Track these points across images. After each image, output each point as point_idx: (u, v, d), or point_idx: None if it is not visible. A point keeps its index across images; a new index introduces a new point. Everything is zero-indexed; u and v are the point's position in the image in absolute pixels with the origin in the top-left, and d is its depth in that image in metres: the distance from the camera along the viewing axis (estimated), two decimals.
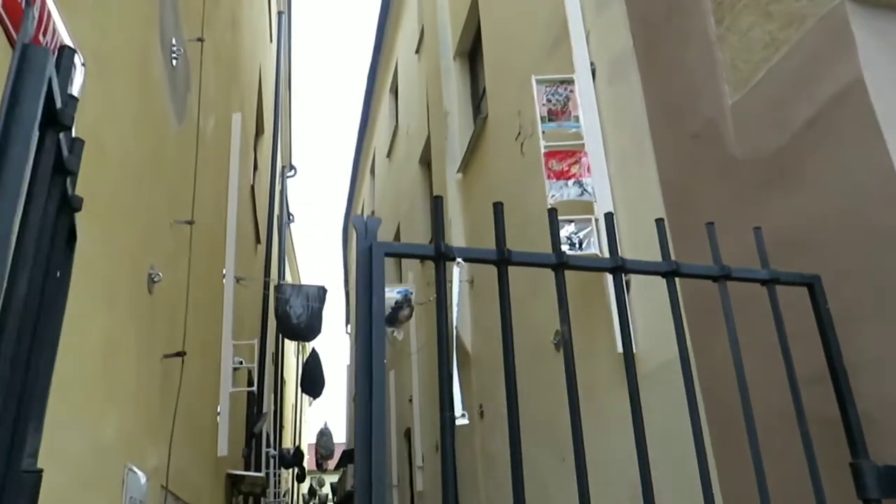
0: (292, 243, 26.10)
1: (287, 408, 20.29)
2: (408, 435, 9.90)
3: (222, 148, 6.12)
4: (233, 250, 6.22)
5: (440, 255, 1.61)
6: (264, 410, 10.51)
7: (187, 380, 4.21)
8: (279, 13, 14.85)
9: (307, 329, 6.12)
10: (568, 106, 3.68)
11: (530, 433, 4.36)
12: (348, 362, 19.66)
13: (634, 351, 3.35)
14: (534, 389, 4.52)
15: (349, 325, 20.92)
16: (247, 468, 8.43)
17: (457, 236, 6.86)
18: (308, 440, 25.49)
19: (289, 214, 21.17)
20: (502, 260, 1.64)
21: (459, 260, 1.64)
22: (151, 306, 3.09)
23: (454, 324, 1.63)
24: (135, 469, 2.71)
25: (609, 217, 1.68)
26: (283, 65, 14.82)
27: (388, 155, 12.96)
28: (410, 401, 9.53)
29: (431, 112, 8.22)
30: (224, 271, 6.12)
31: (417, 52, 10.25)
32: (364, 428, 1.40)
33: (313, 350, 10.48)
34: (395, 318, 6.34)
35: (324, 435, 14.51)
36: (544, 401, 4.36)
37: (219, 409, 5.71)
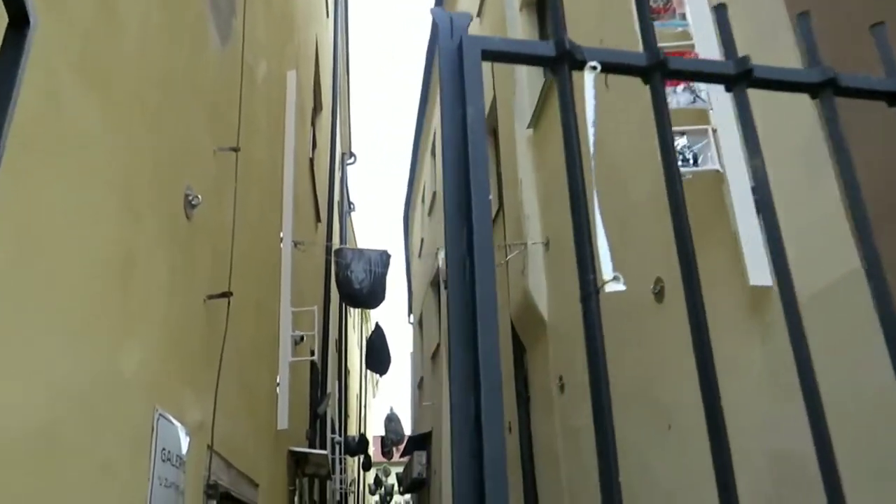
0: (353, 233, 26.00)
1: (351, 396, 20.13)
2: None
3: (276, 102, 5.73)
4: (290, 212, 5.83)
5: (563, 55, 1.03)
6: (328, 391, 10.19)
7: (238, 337, 3.81)
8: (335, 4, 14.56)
9: (370, 295, 5.67)
10: (672, 2, 3.08)
11: (623, 402, 3.75)
12: (412, 349, 19.29)
13: (768, 283, 2.73)
14: (628, 351, 3.93)
15: (411, 315, 20.57)
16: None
17: (528, 197, 6.29)
18: (373, 432, 25.35)
19: (349, 203, 20.96)
20: (658, 65, 1.05)
21: (594, 64, 1.05)
22: (190, 234, 2.66)
23: (591, 151, 1.06)
24: (169, 417, 2.28)
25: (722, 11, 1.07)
26: (340, 44, 14.50)
27: None
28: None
29: (496, 69, 7.65)
30: (281, 234, 5.74)
31: (479, 14, 9.70)
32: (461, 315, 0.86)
33: (377, 325, 10.05)
34: None
35: (391, 420, 14.14)
36: (642, 362, 3.76)
37: (278, 380, 5.33)
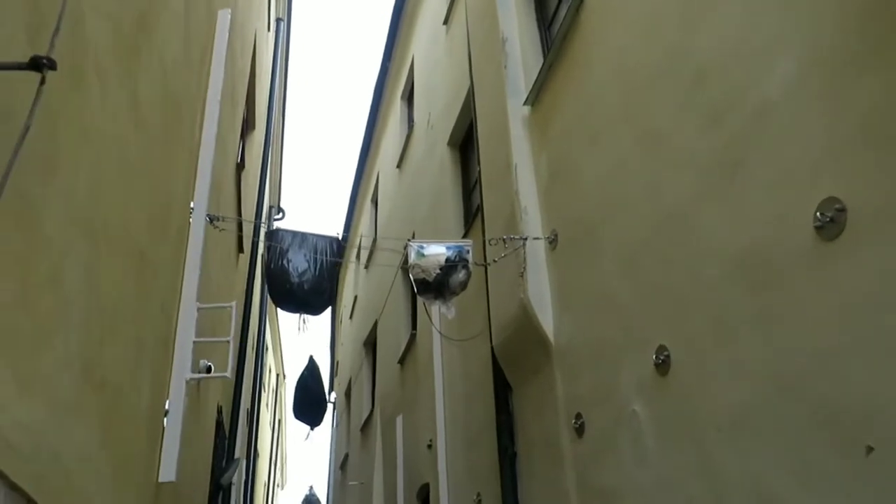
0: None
1: (258, 483, 17.55)
2: (424, 495, 7.53)
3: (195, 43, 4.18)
4: (207, 178, 4.17)
5: None
6: (236, 457, 8.10)
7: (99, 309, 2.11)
8: (278, 20, 13.33)
9: (313, 293, 4.00)
10: None
11: (770, 409, 2.23)
12: (335, 423, 17.05)
13: None
14: (775, 330, 2.44)
15: (332, 393, 18.44)
16: None
17: (526, 186, 4.87)
18: None
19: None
20: None
21: None
22: None
23: None
24: None
25: None
26: (278, 78, 13.08)
27: (399, 164, 11.08)
28: (430, 447, 7.23)
29: (477, 55, 6.39)
30: (191, 204, 4.06)
31: (446, 21, 8.57)
32: None
33: (311, 359, 8.15)
34: (444, 284, 4.24)
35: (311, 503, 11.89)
36: (803, 349, 2.28)
37: (167, 406, 3.52)
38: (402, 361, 9.26)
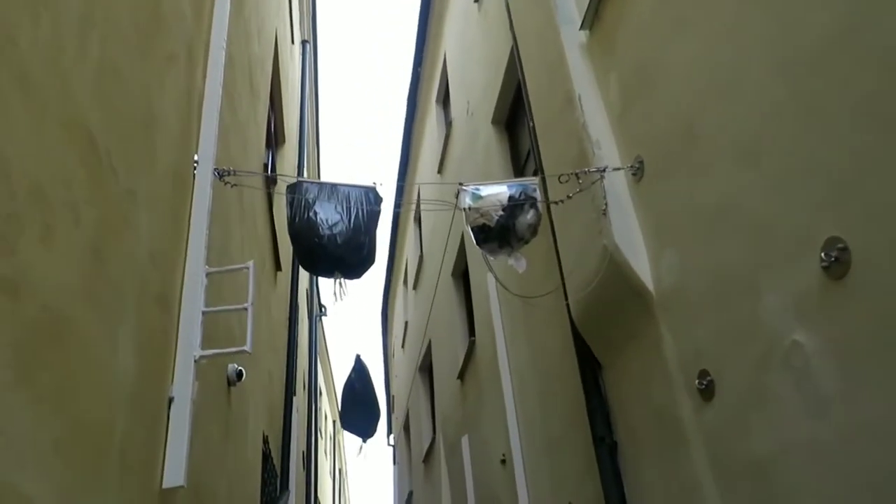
0: (325, 340, 23.22)
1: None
2: None
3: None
4: (214, 125, 3.46)
5: None
6: (288, 489, 7.26)
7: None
8: (303, 42, 12.96)
9: (347, 247, 3.17)
10: None
11: None
12: (395, 464, 16.06)
13: None
14: None
15: (391, 436, 17.48)
16: None
17: (595, 114, 4.04)
18: None
19: (321, 306, 18.50)
20: None
21: None
22: None
23: None
24: None
25: None
26: (308, 98, 12.61)
27: (440, 169, 10.35)
28: (504, 462, 6.29)
29: (518, 2, 5.65)
30: (196, 157, 3.35)
31: (477, 0, 7.91)
32: None
33: (357, 359, 7.26)
34: (509, 229, 3.39)
35: None
36: None
37: (172, 393, 2.74)
38: (461, 376, 8.36)
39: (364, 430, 7.22)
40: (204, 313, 2.92)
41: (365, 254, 3.29)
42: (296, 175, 10.27)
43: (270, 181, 3.92)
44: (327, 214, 3.29)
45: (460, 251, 8.75)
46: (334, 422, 29.48)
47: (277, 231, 8.28)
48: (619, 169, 3.66)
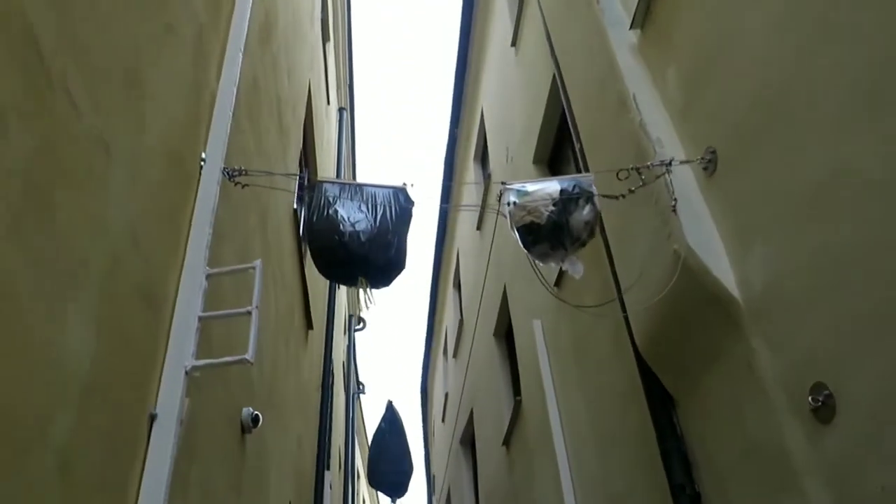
0: (363, 418, 22.40)
1: None
2: None
3: None
4: (227, 120, 3.09)
5: None
6: None
7: None
8: (340, 109, 13.01)
9: (374, 246, 2.67)
10: None
11: None
12: None
13: None
14: None
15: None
16: None
17: (653, 113, 3.58)
18: None
19: (359, 384, 17.91)
20: None
21: None
22: None
23: None
24: None
25: None
26: (344, 161, 12.49)
27: (479, 226, 9.94)
28: None
29: (556, 18, 5.33)
30: (203, 155, 2.97)
31: (514, 43, 7.68)
32: None
33: (389, 405, 6.54)
34: (562, 227, 2.87)
35: None
36: None
37: (154, 409, 2.24)
38: (507, 442, 7.62)
39: (395, 487, 6.46)
40: (201, 319, 2.44)
41: (393, 254, 2.79)
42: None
43: (291, 184, 3.47)
44: (349, 213, 2.83)
45: (503, 307, 8.19)
46: None
47: (309, 287, 7.88)
48: (687, 162, 3.15)
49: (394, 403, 6.76)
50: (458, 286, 13.02)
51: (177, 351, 2.32)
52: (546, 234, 2.86)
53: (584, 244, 2.93)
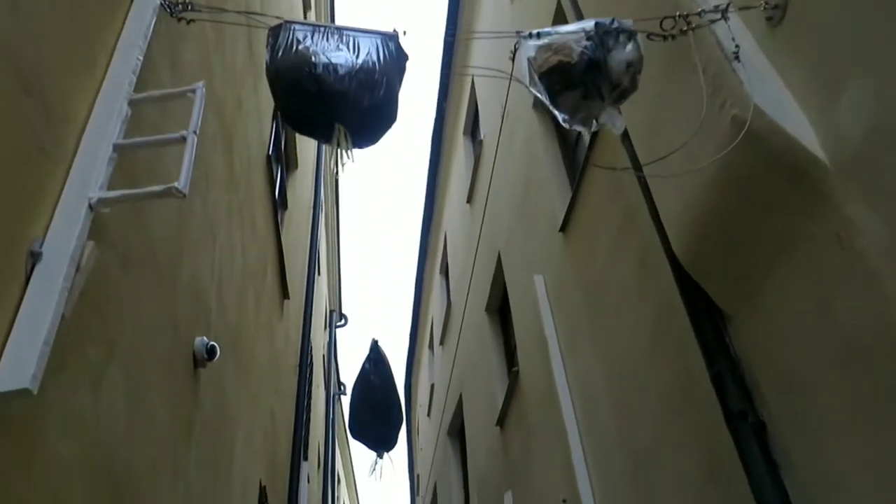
0: (344, 422, 21.54)
1: None
2: None
3: None
4: None
5: None
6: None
7: None
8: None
9: (353, 84, 2.02)
10: None
11: None
12: None
13: None
14: None
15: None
16: None
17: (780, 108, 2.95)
18: None
19: (340, 384, 17.15)
20: None
21: None
22: None
23: None
24: None
25: None
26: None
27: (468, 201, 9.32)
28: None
29: None
30: None
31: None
32: None
33: (374, 344, 5.77)
34: (598, 68, 2.23)
35: None
36: None
37: (38, 247, 1.55)
38: (502, 421, 6.94)
39: (380, 440, 5.69)
40: (117, 147, 1.77)
41: (381, 96, 2.13)
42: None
43: (243, 19, 2.76)
44: (324, 49, 2.18)
45: (496, 277, 7.55)
46: None
47: (286, 254, 7.21)
48: (748, 8, 2.53)
49: (379, 343, 6.02)
50: (445, 272, 12.37)
51: (80, 179, 1.66)
52: (578, 77, 2.22)
53: (624, 95, 2.30)
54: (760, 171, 2.40)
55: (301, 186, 8.94)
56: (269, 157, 5.96)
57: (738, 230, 2.59)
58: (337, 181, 13.95)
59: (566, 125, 2.36)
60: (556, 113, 2.34)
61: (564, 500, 4.81)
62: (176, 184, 1.67)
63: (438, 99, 10.82)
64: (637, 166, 3.11)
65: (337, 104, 2.08)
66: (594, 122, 2.29)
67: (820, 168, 2.24)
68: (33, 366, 1.34)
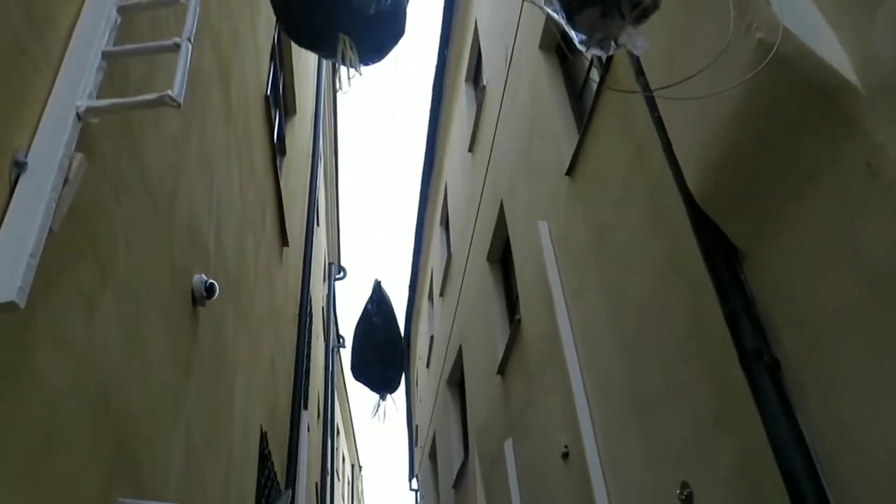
0: (343, 377, 21.68)
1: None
2: None
3: None
4: None
5: None
6: (289, 488, 5.82)
7: None
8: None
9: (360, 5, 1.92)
10: None
11: None
12: (419, 499, 14.38)
13: None
14: None
15: (415, 479, 15.81)
16: None
17: (811, 29, 2.77)
18: None
19: (339, 337, 17.14)
20: None
21: None
22: None
23: None
24: None
25: None
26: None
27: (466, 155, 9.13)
28: (567, 455, 4.84)
29: None
30: None
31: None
32: None
33: (377, 288, 5.76)
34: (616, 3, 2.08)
35: None
36: None
37: (22, 156, 1.44)
38: (503, 370, 6.93)
39: (383, 381, 5.67)
40: (106, 55, 1.65)
41: (387, 5, 1.99)
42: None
43: None
44: None
45: (498, 226, 7.45)
46: (353, 466, 27.69)
47: (285, 201, 7.09)
48: None
49: (382, 284, 5.95)
50: (445, 224, 12.27)
51: (66, 85, 1.54)
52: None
53: (645, 14, 2.16)
54: (788, 97, 2.27)
55: (300, 134, 8.76)
56: (266, 97, 5.79)
57: (761, 160, 2.48)
58: (336, 133, 13.72)
59: (583, 47, 2.23)
60: (573, 34, 2.20)
61: (566, 447, 4.81)
62: (170, 91, 1.56)
63: (440, 44, 10.55)
64: (651, 90, 2.98)
65: (341, 12, 1.94)
66: (612, 44, 2.16)
67: (851, 92, 2.12)
68: (19, 278, 1.25)
